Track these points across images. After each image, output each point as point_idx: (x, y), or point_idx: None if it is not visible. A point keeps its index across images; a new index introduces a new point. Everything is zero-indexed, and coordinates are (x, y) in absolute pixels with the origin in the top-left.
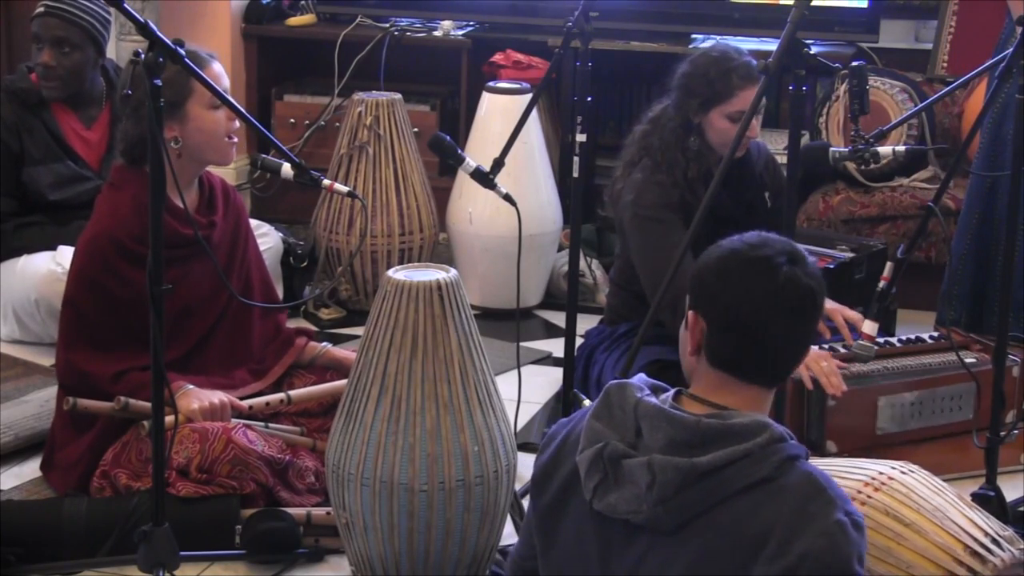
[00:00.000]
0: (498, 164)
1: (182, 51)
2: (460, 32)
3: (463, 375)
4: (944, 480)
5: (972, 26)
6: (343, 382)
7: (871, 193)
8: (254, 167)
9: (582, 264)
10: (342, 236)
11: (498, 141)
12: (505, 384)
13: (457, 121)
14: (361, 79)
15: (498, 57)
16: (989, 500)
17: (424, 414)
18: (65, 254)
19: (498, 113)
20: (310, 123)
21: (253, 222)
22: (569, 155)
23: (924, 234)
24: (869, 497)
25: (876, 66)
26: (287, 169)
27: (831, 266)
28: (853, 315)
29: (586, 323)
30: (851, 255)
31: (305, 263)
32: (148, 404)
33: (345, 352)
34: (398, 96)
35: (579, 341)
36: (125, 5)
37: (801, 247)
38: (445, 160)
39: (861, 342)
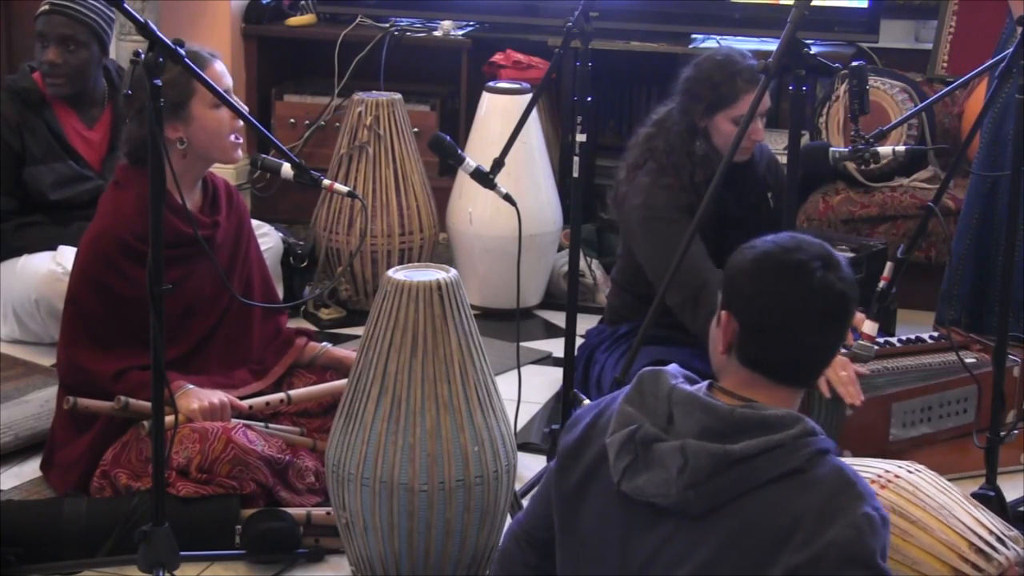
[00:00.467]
0: (498, 164)
1: (182, 51)
2: (460, 32)
3: (463, 375)
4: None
5: (972, 26)
6: (343, 382)
7: (871, 193)
8: (254, 167)
9: (582, 264)
10: (342, 236)
11: (498, 141)
12: (505, 384)
13: (457, 121)
14: (361, 79)
15: (498, 57)
16: (989, 500)
17: (424, 414)
18: (65, 254)
19: (498, 113)
20: (310, 123)
21: (253, 222)
22: (569, 155)
23: (924, 234)
24: (876, 494)
25: (876, 66)
26: (287, 169)
27: None
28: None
29: (586, 323)
30: (851, 255)
31: (305, 263)
32: (148, 404)
33: (345, 352)
34: (398, 96)
35: (579, 341)
36: (125, 5)
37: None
38: (445, 160)
39: (861, 342)
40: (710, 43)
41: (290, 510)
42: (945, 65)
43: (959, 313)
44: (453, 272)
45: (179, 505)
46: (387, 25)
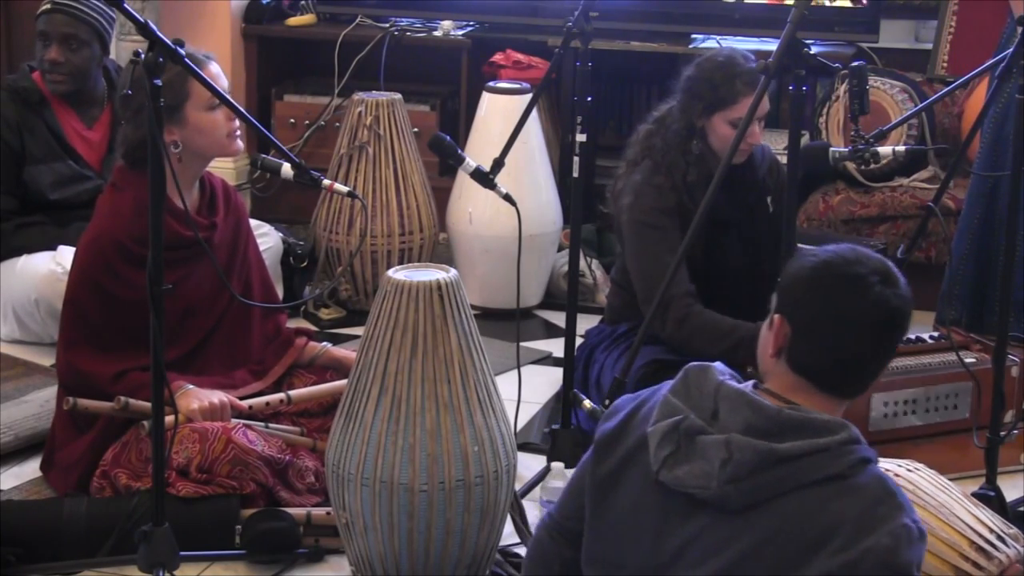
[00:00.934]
0: (498, 164)
1: (182, 51)
2: (460, 32)
3: (463, 375)
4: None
5: (972, 26)
6: (343, 382)
7: (871, 193)
8: (254, 167)
9: (582, 264)
10: (342, 236)
11: (498, 141)
12: (505, 384)
13: (457, 121)
14: (361, 79)
15: (498, 57)
16: (989, 500)
17: (424, 414)
18: (65, 254)
19: (498, 113)
20: (310, 123)
21: (253, 222)
22: (569, 155)
23: (924, 234)
24: None
25: (876, 66)
26: (287, 169)
27: None
28: None
29: (586, 323)
30: None
31: (305, 263)
32: (148, 404)
33: (345, 352)
34: (398, 96)
35: (579, 341)
36: (125, 5)
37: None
38: (445, 160)
39: None
40: (710, 43)
41: (290, 510)
42: (945, 65)
43: (959, 313)
44: (453, 272)
45: (179, 505)
46: (387, 25)
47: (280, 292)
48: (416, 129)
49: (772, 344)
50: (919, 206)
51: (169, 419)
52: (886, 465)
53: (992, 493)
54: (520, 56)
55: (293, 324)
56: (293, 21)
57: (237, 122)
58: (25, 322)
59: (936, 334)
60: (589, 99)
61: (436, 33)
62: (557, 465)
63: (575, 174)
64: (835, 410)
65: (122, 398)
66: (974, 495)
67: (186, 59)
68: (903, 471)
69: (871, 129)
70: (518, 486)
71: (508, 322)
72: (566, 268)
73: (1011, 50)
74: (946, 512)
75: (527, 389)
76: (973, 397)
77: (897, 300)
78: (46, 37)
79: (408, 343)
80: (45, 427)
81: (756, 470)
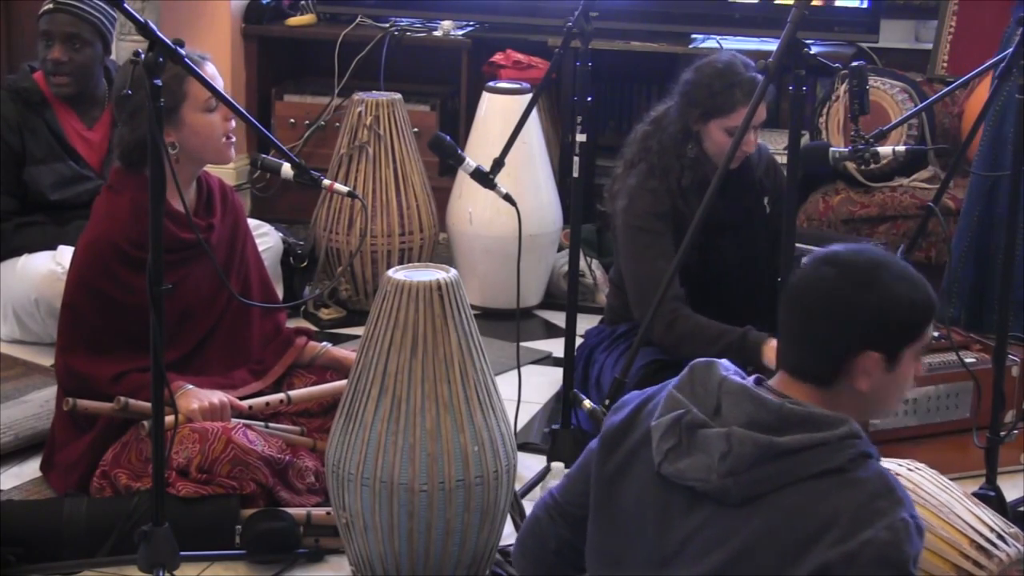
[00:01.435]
0: (498, 164)
1: (182, 51)
2: (460, 32)
3: (463, 375)
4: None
5: (972, 26)
6: (343, 382)
7: (871, 193)
8: (254, 167)
9: (582, 264)
10: (342, 236)
11: (498, 141)
12: (505, 384)
13: (457, 121)
14: (361, 79)
15: (498, 57)
16: (989, 500)
17: (424, 414)
18: (65, 254)
19: (498, 113)
20: (310, 123)
21: (253, 222)
22: (569, 155)
23: (924, 234)
24: None
25: (876, 66)
26: (287, 169)
27: None
28: None
29: (586, 323)
30: None
31: (305, 263)
32: (148, 404)
33: (345, 352)
34: (398, 96)
35: (579, 341)
36: (125, 5)
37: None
38: (445, 160)
39: None
40: (710, 43)
41: (290, 510)
42: (945, 65)
43: (959, 311)
44: (453, 272)
45: (179, 505)
46: (387, 25)
47: (280, 292)
48: (416, 129)
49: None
50: (919, 206)
51: (169, 419)
52: (887, 464)
53: (992, 493)
54: (520, 56)
55: (293, 324)
56: (293, 21)
57: (233, 124)
58: (25, 322)
59: (936, 334)
60: (589, 99)
61: (436, 33)
62: (557, 465)
63: (575, 174)
64: (827, 402)
65: (122, 398)
66: (974, 495)
67: (186, 59)
68: (904, 471)
69: (871, 129)
70: (518, 486)
71: (508, 322)
72: (566, 268)
73: (1011, 50)
74: (947, 511)
75: (527, 389)
76: (973, 397)
77: (822, 281)
78: (49, 37)
79: (408, 343)
80: (45, 427)
81: (755, 463)
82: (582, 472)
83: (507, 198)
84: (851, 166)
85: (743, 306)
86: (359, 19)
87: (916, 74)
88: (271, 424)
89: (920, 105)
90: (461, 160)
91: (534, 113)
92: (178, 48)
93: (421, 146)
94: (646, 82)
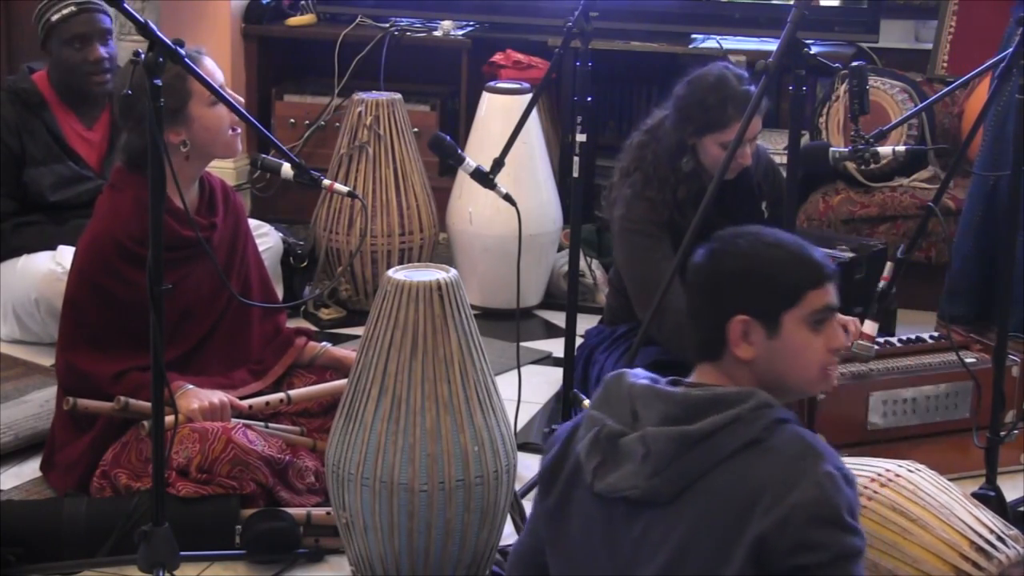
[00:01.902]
0: (498, 164)
1: (182, 51)
2: (460, 32)
3: (463, 375)
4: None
5: (972, 26)
6: (343, 382)
7: (871, 193)
8: (254, 167)
9: (582, 264)
10: (342, 236)
11: (498, 141)
12: (505, 384)
13: (457, 121)
14: (361, 79)
15: (498, 57)
16: (989, 500)
17: (424, 414)
18: (65, 254)
19: (498, 113)
20: (310, 123)
21: (253, 222)
22: (569, 155)
23: (924, 234)
24: (876, 493)
25: (876, 66)
26: (287, 169)
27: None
28: (846, 319)
29: (586, 323)
30: (851, 255)
31: (305, 263)
32: (148, 404)
33: (344, 351)
34: (398, 96)
35: (579, 341)
36: (125, 5)
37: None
38: (445, 160)
39: (861, 342)
40: (710, 43)
41: (290, 510)
42: (945, 65)
43: (965, 308)
44: (453, 272)
45: (179, 505)
46: (387, 25)
47: (280, 292)
48: (416, 129)
49: None
50: (919, 206)
51: (169, 419)
52: (887, 465)
53: (992, 493)
54: (520, 56)
55: (293, 324)
56: (293, 21)
57: None
58: (25, 322)
59: (936, 334)
60: (589, 99)
61: (436, 33)
62: None
63: (575, 174)
64: (727, 379)
65: (122, 398)
66: (974, 495)
67: (186, 59)
68: (903, 471)
69: (871, 129)
70: (518, 486)
71: (508, 322)
72: (566, 268)
73: (1011, 50)
74: (946, 512)
75: (527, 389)
76: (973, 397)
77: (697, 259)
78: (85, 38)
79: (408, 343)
80: (45, 427)
81: (675, 457)
82: (533, 517)
83: (507, 198)
84: (851, 166)
85: None
86: (359, 19)
87: (916, 74)
88: (271, 424)
89: (920, 105)
90: (461, 160)
91: (534, 113)
92: (178, 48)
93: (421, 146)
94: (646, 82)
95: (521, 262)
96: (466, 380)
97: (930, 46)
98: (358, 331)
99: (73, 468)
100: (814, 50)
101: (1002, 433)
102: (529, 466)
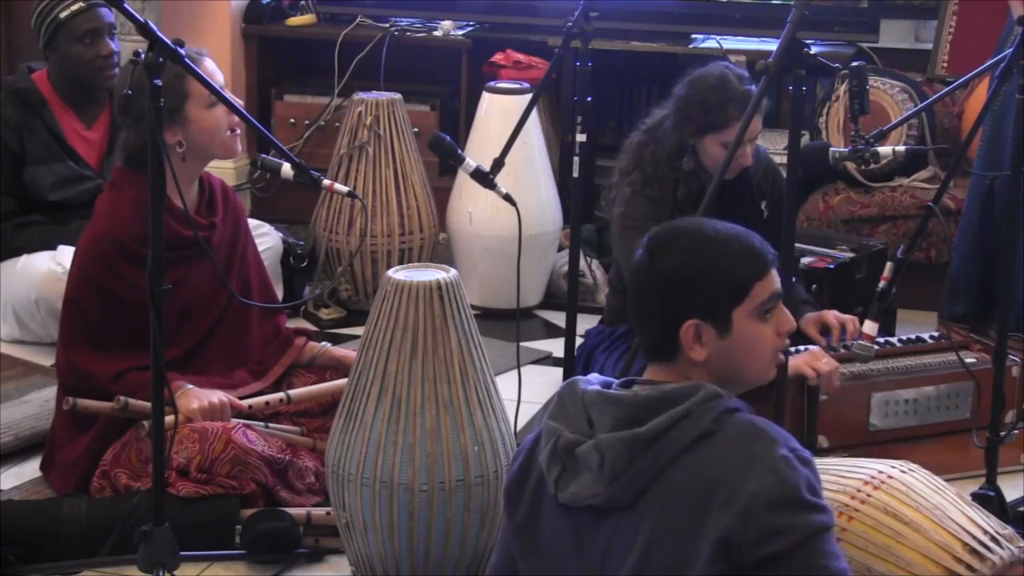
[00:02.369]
0: (498, 164)
1: (182, 51)
2: (460, 32)
3: (463, 375)
4: (944, 480)
5: (972, 26)
6: (343, 382)
7: (871, 193)
8: (254, 167)
9: (582, 264)
10: (342, 236)
11: (498, 141)
12: (505, 384)
13: (457, 121)
14: (361, 79)
15: (498, 57)
16: (989, 500)
17: (424, 414)
18: (65, 254)
19: (498, 113)
20: (310, 123)
21: (253, 222)
22: (569, 155)
23: (924, 234)
24: (869, 496)
25: (876, 66)
26: (287, 169)
27: (831, 266)
28: (845, 317)
29: (586, 323)
30: (851, 255)
31: (305, 263)
32: (148, 404)
33: (344, 351)
34: (398, 96)
35: (579, 341)
36: (125, 5)
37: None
38: (445, 160)
39: (861, 342)
40: (710, 43)
41: (290, 510)
42: (945, 65)
43: (965, 308)
44: (453, 272)
45: (179, 505)
46: (387, 25)
47: (280, 292)
48: (416, 129)
49: None
50: (919, 206)
51: (169, 419)
52: (879, 467)
53: (992, 493)
54: (520, 56)
55: (293, 324)
56: (293, 21)
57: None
58: (25, 322)
59: (936, 334)
60: (589, 99)
61: (436, 33)
62: None
63: (575, 174)
64: (682, 378)
65: (122, 398)
66: (974, 495)
67: (186, 59)
68: (896, 472)
69: (871, 129)
70: None
71: (508, 322)
72: (566, 268)
73: (1011, 50)
74: (939, 514)
75: (527, 389)
76: (973, 397)
77: (641, 261)
78: (95, 33)
79: (408, 343)
80: (45, 427)
81: (630, 460)
82: (503, 534)
83: (507, 198)
84: (851, 166)
85: None
86: (359, 19)
87: (916, 74)
88: (271, 424)
89: (920, 105)
90: (461, 160)
91: (534, 113)
92: (178, 48)
93: (421, 146)
94: (646, 82)
95: (521, 262)
96: (466, 380)
97: (930, 46)
98: (358, 331)
99: (73, 468)
100: (814, 50)
101: (1002, 433)
102: None
